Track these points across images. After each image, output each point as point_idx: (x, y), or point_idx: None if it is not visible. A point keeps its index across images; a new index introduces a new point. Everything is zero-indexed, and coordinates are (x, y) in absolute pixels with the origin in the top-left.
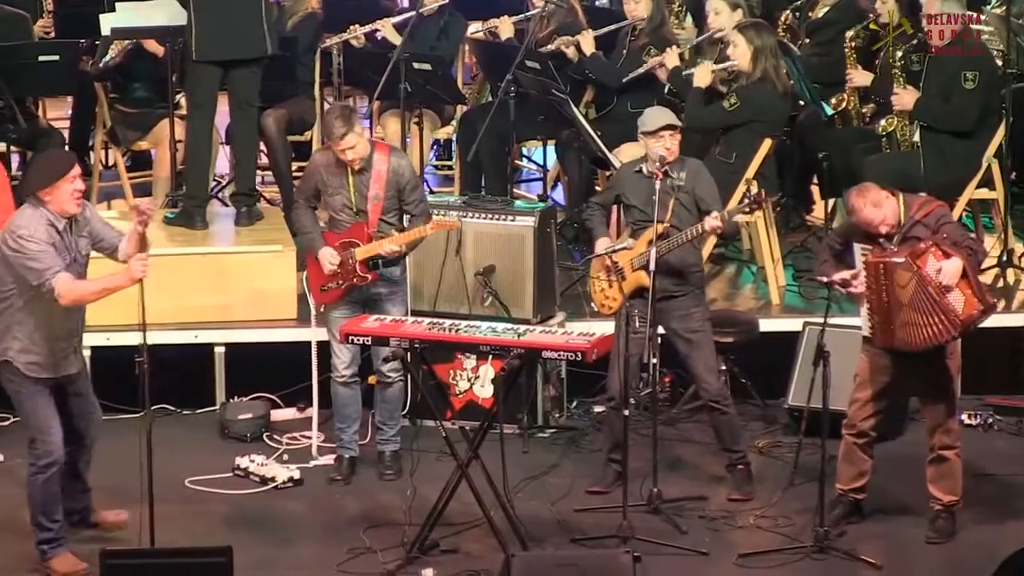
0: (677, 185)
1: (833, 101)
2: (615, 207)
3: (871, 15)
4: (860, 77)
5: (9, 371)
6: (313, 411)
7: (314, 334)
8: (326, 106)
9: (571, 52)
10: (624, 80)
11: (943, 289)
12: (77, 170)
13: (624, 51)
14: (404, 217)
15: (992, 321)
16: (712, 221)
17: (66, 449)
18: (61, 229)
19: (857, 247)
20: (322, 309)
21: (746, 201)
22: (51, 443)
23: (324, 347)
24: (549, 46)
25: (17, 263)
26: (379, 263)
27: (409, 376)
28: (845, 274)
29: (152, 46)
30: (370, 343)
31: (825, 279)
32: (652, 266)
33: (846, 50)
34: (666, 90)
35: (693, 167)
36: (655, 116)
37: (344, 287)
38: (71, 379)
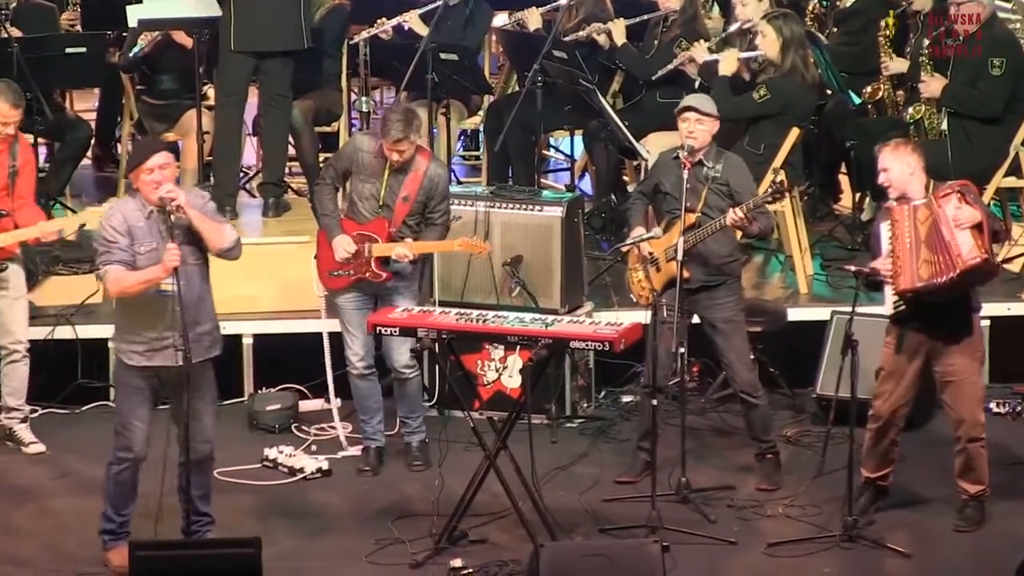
0: (712, 176)
1: (868, 90)
2: None
3: (903, 3)
4: (896, 64)
5: (117, 362)
6: (333, 402)
7: (325, 325)
8: (352, 97)
9: (602, 39)
10: (654, 77)
11: (954, 227)
12: (157, 160)
13: (655, 42)
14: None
15: (1021, 310)
16: (732, 214)
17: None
18: (148, 215)
19: (883, 224)
20: (326, 293)
21: (769, 191)
22: (130, 439)
23: (335, 337)
24: (580, 33)
25: None
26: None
27: (437, 366)
28: (876, 264)
29: (181, 37)
30: (398, 334)
31: (854, 268)
32: (679, 255)
33: (880, 39)
34: (697, 84)
35: (732, 161)
36: (687, 98)
37: (354, 278)
38: (174, 376)
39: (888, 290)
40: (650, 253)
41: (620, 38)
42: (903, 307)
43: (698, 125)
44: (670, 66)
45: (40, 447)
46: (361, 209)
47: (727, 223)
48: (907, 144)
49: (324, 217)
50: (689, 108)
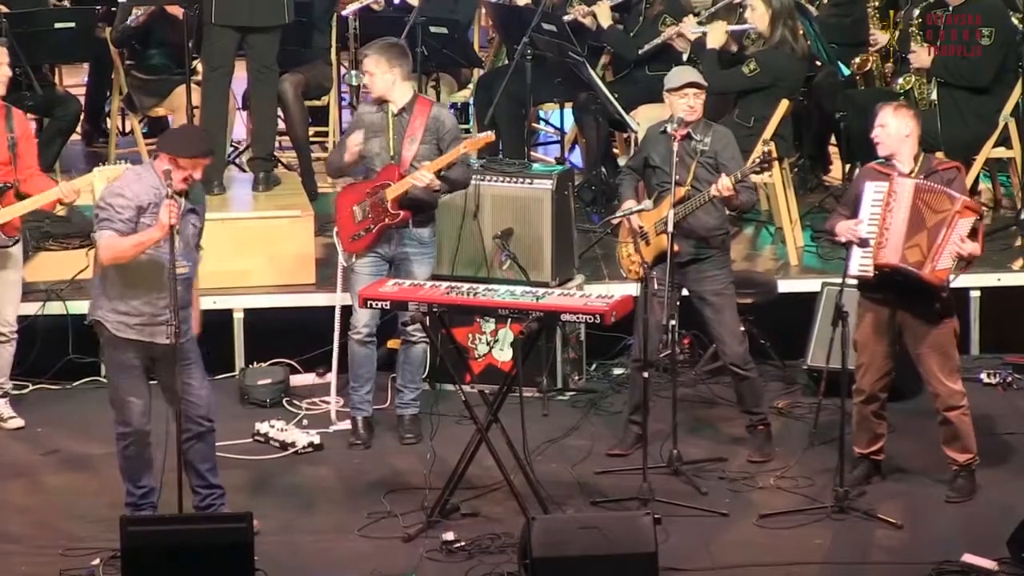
0: (701, 149)
1: (857, 62)
2: None
3: None
4: (883, 37)
5: (100, 330)
6: (332, 376)
7: (339, 299)
8: (342, 71)
9: (588, 21)
10: (640, 52)
11: (951, 247)
12: (199, 160)
13: (640, 18)
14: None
15: (1012, 280)
16: (717, 185)
17: (187, 435)
18: (165, 195)
19: (870, 185)
20: (354, 259)
21: (756, 161)
22: (126, 414)
23: (345, 310)
24: (566, 16)
25: None
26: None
27: (429, 340)
28: (850, 223)
29: (173, 8)
30: (389, 307)
31: (839, 239)
32: (670, 228)
33: (869, 10)
34: (685, 58)
35: (720, 133)
36: (681, 73)
37: (376, 230)
38: (163, 354)
39: (856, 251)
40: (640, 227)
41: (605, 20)
42: (869, 272)
43: (696, 99)
44: (656, 41)
45: (19, 421)
46: (375, 166)
47: (714, 193)
48: (909, 109)
49: (336, 159)
50: (691, 84)
